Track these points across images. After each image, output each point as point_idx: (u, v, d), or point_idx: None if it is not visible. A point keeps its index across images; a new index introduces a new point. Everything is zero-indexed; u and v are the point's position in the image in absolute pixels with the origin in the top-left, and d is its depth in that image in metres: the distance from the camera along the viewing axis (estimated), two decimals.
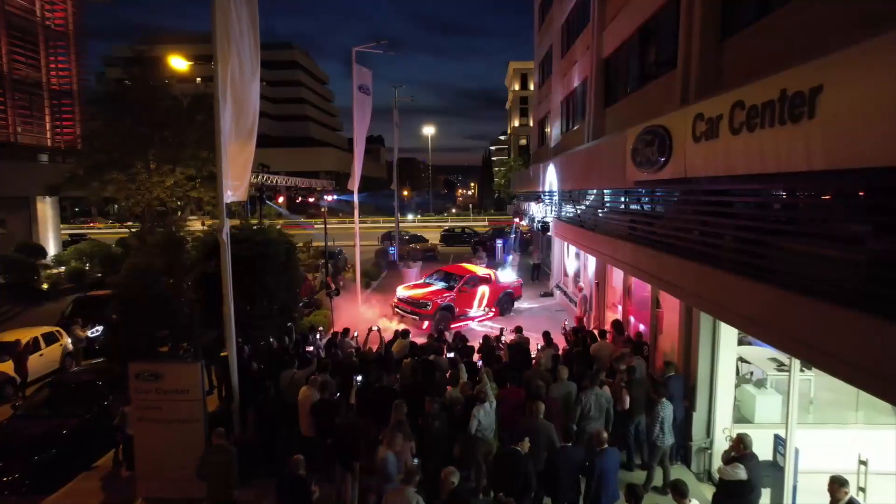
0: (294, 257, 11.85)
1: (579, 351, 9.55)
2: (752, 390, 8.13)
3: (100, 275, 22.51)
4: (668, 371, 7.84)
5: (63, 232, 41.88)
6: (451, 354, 9.00)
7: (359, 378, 7.78)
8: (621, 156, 8.26)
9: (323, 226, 17.25)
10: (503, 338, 10.49)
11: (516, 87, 75.68)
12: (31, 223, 25.51)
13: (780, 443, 6.71)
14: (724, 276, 5.02)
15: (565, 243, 18.01)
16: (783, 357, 8.52)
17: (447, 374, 8.49)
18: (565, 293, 18.35)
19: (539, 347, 10.13)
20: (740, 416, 8.03)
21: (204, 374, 7.64)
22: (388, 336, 10.42)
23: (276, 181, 14.90)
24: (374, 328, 10.11)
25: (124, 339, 7.68)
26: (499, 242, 29.71)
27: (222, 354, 8.50)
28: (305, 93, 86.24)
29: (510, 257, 26.34)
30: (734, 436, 7.81)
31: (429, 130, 69.67)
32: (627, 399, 7.73)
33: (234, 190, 8.55)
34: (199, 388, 7.57)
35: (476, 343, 10.73)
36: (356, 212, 18.36)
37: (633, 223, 8.59)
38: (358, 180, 18.16)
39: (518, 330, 10.71)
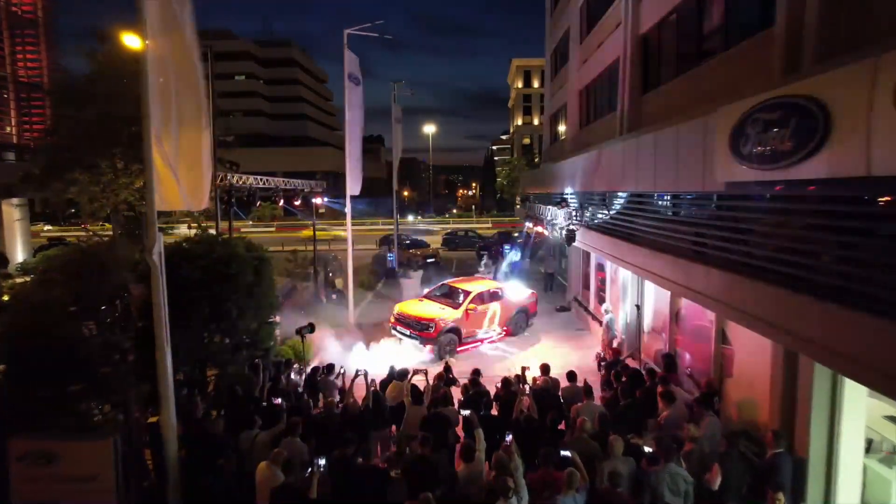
0: (267, 274, 9.53)
1: (630, 403, 7.26)
2: (881, 470, 5.91)
3: None
4: (777, 445, 5.58)
5: (44, 235, 39.95)
6: (465, 412, 6.68)
7: (321, 462, 5.55)
8: (698, 147, 6.07)
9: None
10: (525, 382, 8.03)
11: (519, 85, 73.87)
12: None
13: None
14: None
15: (585, 251, 15.79)
16: None
17: (458, 443, 6.33)
18: (586, 309, 16.14)
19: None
20: None
21: (118, 451, 5.46)
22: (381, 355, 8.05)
23: (251, 182, 12.68)
24: (361, 372, 7.79)
25: (12, 401, 5.49)
26: (506, 248, 27.48)
27: (151, 420, 6.30)
28: (304, 91, 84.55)
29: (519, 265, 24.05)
30: None
31: (429, 130, 67.65)
32: (718, 479, 5.51)
33: (190, 195, 6.39)
34: (110, 471, 5.39)
35: (485, 379, 8.47)
36: (349, 217, 16.21)
37: (704, 239, 6.41)
38: (359, 182, 16.02)
39: (545, 370, 8.46)
